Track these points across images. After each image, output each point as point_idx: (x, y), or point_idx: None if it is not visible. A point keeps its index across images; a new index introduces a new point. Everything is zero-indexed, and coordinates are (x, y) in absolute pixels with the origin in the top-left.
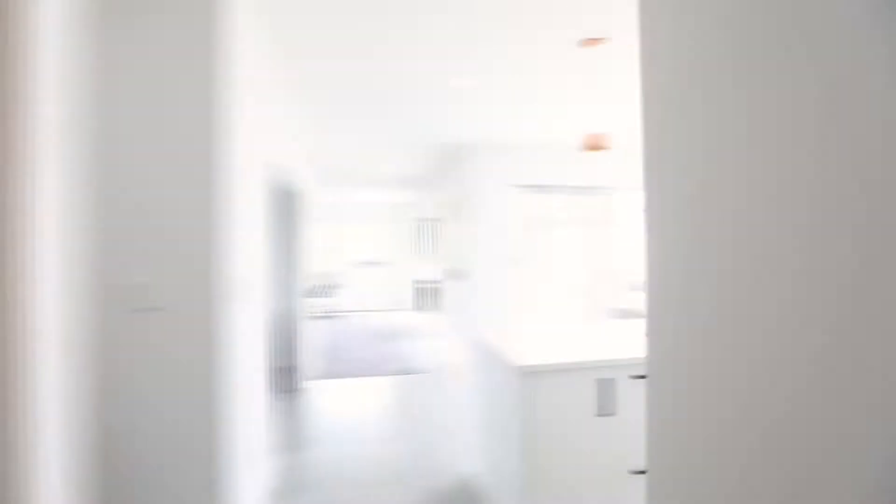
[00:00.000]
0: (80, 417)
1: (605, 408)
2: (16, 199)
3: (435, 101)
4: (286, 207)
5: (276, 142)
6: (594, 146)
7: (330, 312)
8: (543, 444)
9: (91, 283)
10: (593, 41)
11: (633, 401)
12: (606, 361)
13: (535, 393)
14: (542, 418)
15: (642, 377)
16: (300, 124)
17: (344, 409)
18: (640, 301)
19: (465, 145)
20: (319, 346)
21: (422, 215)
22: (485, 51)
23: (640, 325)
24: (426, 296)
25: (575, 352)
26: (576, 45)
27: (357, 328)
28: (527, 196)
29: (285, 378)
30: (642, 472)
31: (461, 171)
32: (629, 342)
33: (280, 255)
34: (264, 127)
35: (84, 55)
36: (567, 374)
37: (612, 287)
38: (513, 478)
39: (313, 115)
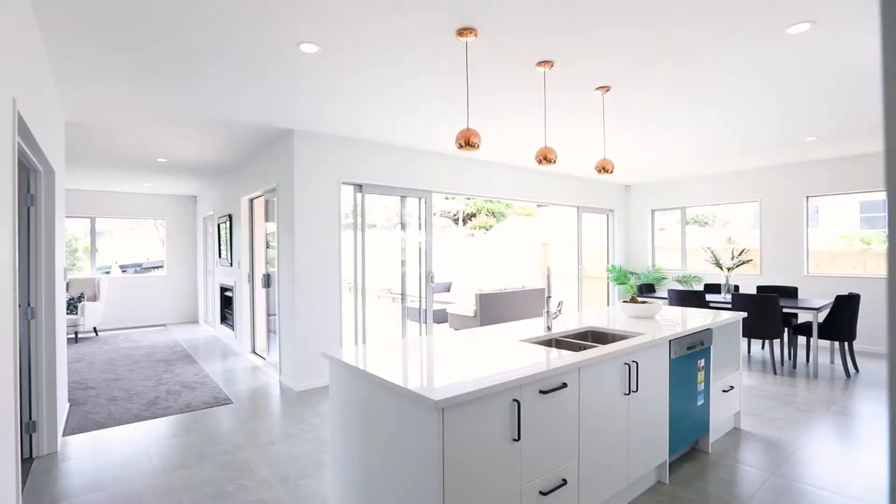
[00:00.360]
0: None
1: (517, 430)
2: None
3: (273, 68)
4: (34, 193)
5: (18, 90)
6: (468, 143)
7: (90, 331)
8: (461, 480)
9: None
10: (468, 31)
11: (537, 419)
12: (518, 381)
13: (454, 427)
14: (460, 454)
15: (556, 389)
16: (59, 67)
17: (124, 473)
18: (448, 302)
19: (295, 132)
20: (76, 381)
21: (221, 211)
22: (342, 15)
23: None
24: (226, 305)
25: (473, 372)
26: (452, 35)
27: (131, 350)
28: (353, 195)
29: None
30: (551, 492)
31: (282, 161)
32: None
33: (21, 259)
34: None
35: None
36: (484, 401)
37: (426, 289)
38: None
39: (80, 58)
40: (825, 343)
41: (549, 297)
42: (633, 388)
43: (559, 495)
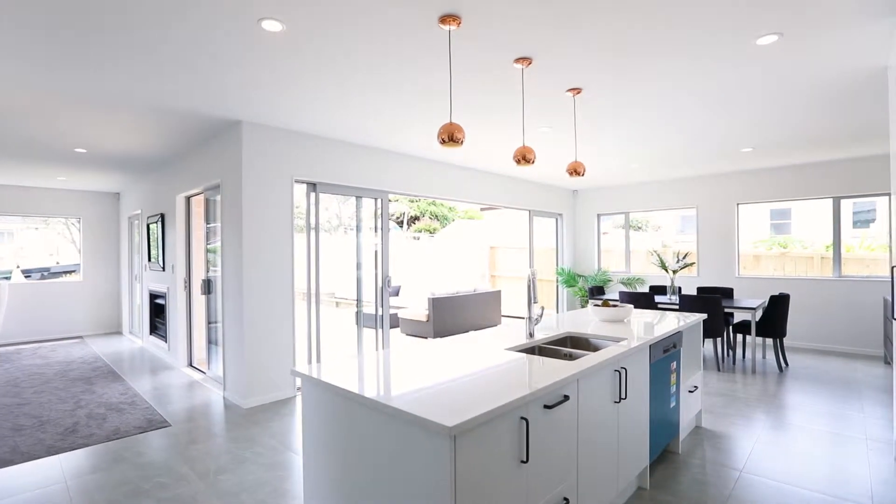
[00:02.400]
0: None
1: (526, 451)
2: None
3: (226, 47)
4: None
5: None
6: (451, 138)
7: None
8: None
9: None
10: (451, 18)
11: (542, 436)
12: (525, 397)
13: (465, 453)
14: (470, 484)
15: (559, 403)
16: None
17: None
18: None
19: (244, 124)
20: None
21: (151, 210)
22: None
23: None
24: (157, 314)
25: (474, 389)
26: (435, 21)
27: (40, 368)
28: (306, 195)
29: None
30: None
31: (227, 155)
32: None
33: None
34: None
35: None
36: (493, 423)
37: (382, 294)
38: None
39: None
40: (758, 340)
41: (533, 301)
42: (623, 395)
43: None
